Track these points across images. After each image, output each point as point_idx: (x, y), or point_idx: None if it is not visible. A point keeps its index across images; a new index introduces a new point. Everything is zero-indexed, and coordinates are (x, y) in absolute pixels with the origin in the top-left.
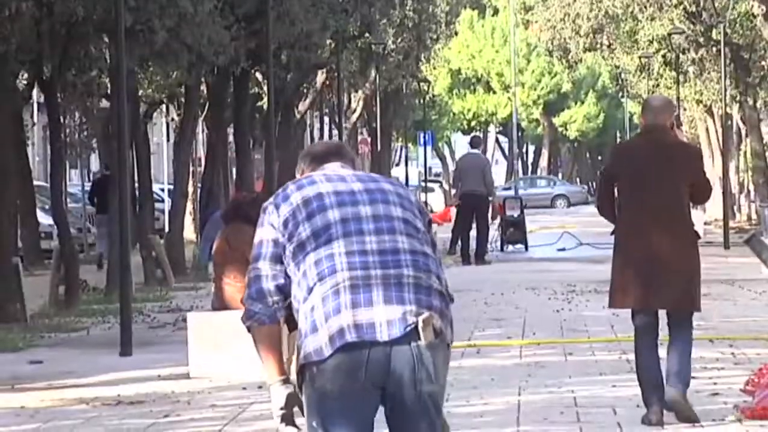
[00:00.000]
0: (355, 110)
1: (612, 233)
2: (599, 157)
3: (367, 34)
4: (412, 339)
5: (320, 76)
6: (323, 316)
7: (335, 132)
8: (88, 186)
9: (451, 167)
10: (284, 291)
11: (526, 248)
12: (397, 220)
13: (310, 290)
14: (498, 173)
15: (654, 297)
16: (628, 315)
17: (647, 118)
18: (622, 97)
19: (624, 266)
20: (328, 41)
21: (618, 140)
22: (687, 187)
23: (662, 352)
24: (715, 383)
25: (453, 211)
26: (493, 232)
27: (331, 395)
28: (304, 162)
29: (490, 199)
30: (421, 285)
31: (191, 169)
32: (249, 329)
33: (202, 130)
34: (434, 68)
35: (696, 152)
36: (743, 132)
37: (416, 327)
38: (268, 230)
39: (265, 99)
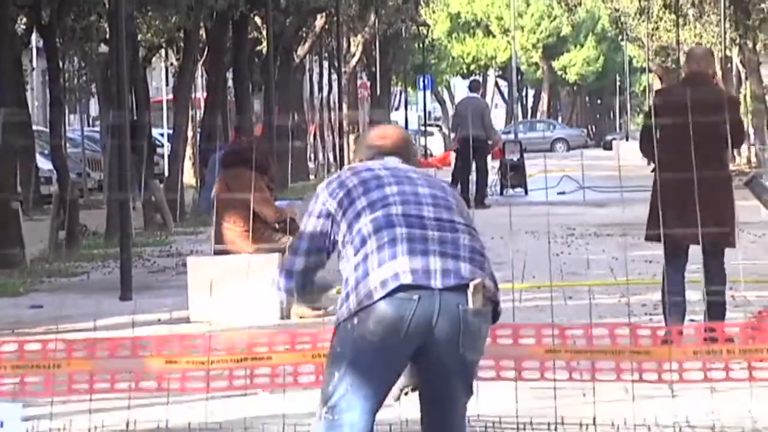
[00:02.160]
0: (354, 54)
1: (652, 171)
2: (599, 101)
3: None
4: (460, 301)
5: (319, 20)
6: (377, 261)
7: (335, 77)
8: (87, 130)
9: (451, 111)
10: (313, 279)
11: (526, 192)
12: (456, 209)
13: (363, 241)
14: (497, 117)
15: (686, 234)
16: (627, 258)
17: (690, 66)
18: (622, 40)
19: (661, 203)
20: None
21: (618, 83)
22: (722, 131)
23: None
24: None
25: (452, 155)
26: (493, 176)
27: (367, 347)
28: (367, 152)
29: (490, 142)
30: (476, 251)
31: (190, 113)
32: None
33: (201, 75)
34: (433, 12)
35: (732, 100)
36: (743, 75)
37: (467, 288)
38: (314, 219)
39: (264, 43)
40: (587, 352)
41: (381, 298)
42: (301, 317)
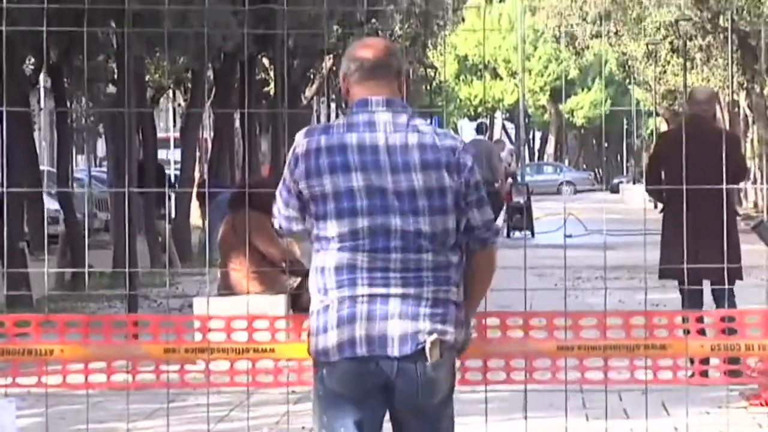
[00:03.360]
0: None
1: (661, 212)
2: (606, 144)
3: (374, 20)
4: (418, 359)
5: (327, 62)
6: (336, 319)
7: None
8: (94, 171)
9: None
10: (287, 230)
11: (533, 234)
12: (425, 194)
13: (324, 288)
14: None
15: (699, 269)
16: (634, 302)
17: (692, 108)
18: (629, 83)
19: (672, 242)
20: (336, 27)
21: (625, 127)
22: (725, 166)
23: None
24: None
25: None
26: (500, 220)
27: (341, 395)
28: (351, 65)
29: (496, 185)
30: (439, 299)
31: (198, 154)
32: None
33: (209, 116)
34: (441, 54)
35: (734, 139)
36: (750, 119)
37: (424, 347)
38: (289, 176)
39: (272, 84)
40: (600, 348)
41: (338, 361)
42: None
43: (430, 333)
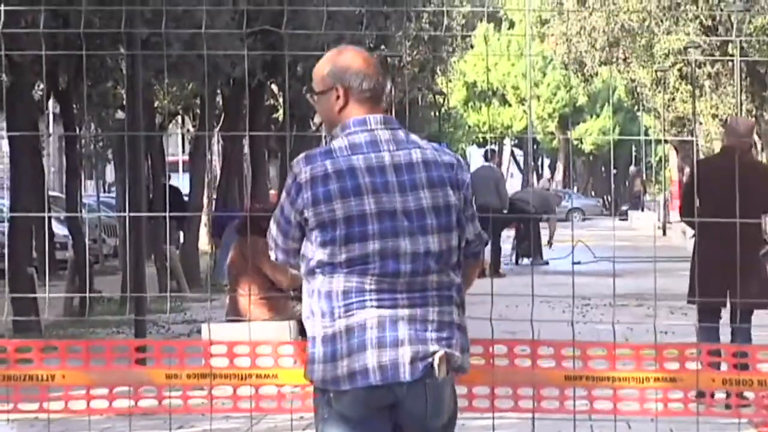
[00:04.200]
0: None
1: (692, 237)
2: (614, 171)
3: (382, 47)
4: (428, 377)
5: None
6: (346, 347)
7: None
8: (103, 196)
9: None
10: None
11: (542, 260)
12: (436, 212)
13: (332, 313)
14: (513, 186)
15: (725, 291)
16: (641, 330)
17: (729, 140)
18: (638, 110)
19: (702, 268)
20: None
21: (634, 154)
22: (759, 203)
23: None
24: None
25: None
26: (508, 246)
27: (349, 418)
28: (358, 88)
29: (504, 211)
30: (444, 321)
31: (206, 180)
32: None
33: (218, 141)
34: (449, 81)
35: (766, 170)
36: (759, 146)
37: (433, 365)
38: (289, 206)
39: (281, 111)
40: (609, 380)
41: (349, 389)
42: None
43: (434, 353)
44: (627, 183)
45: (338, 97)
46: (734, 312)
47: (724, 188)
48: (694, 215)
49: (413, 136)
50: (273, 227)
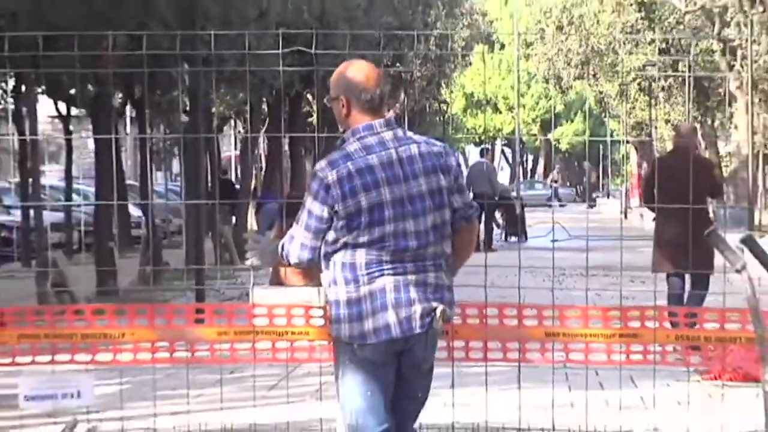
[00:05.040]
0: None
1: (653, 219)
2: (586, 164)
3: (397, 64)
4: (430, 328)
5: None
6: (371, 307)
7: None
8: (170, 184)
9: (465, 172)
10: (309, 260)
11: (526, 239)
12: (432, 194)
13: (356, 278)
14: (503, 178)
15: (681, 263)
16: (608, 295)
17: (678, 141)
18: (605, 116)
19: (661, 244)
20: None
21: (601, 152)
22: (703, 187)
23: None
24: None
25: None
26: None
27: (371, 363)
28: (360, 100)
29: (496, 198)
30: (439, 284)
31: (254, 172)
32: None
33: (263, 141)
34: (451, 92)
35: (710, 164)
36: (703, 145)
37: (434, 318)
38: (319, 204)
39: (314, 116)
40: (581, 336)
41: (374, 342)
42: None
43: (435, 308)
44: (585, 176)
45: (343, 105)
46: (691, 278)
47: (677, 178)
48: (654, 202)
49: (409, 133)
50: (299, 231)
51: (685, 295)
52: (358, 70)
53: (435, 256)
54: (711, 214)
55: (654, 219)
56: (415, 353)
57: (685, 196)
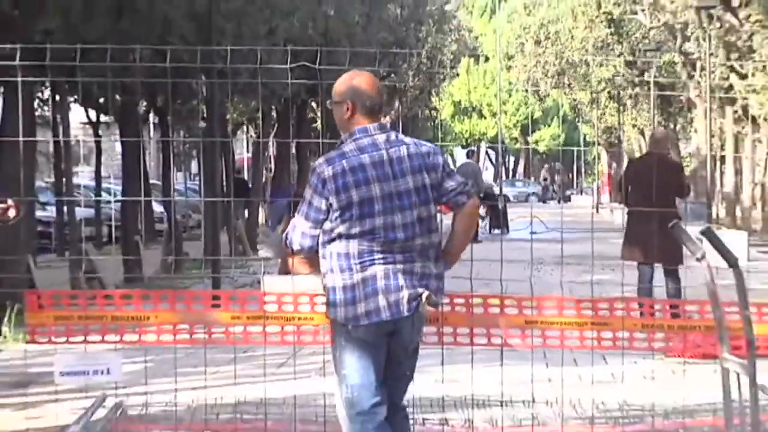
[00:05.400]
0: None
1: (627, 214)
2: (560, 164)
3: (392, 75)
4: (416, 311)
5: None
6: (363, 293)
7: None
8: (189, 183)
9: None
10: (309, 247)
11: (508, 231)
12: (418, 191)
13: (350, 266)
14: (487, 177)
15: (651, 255)
16: (583, 282)
17: (652, 146)
18: (578, 122)
19: (632, 235)
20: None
21: (575, 154)
22: (673, 188)
23: None
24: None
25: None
26: (483, 220)
27: (364, 342)
28: (362, 105)
29: (481, 195)
30: (425, 273)
31: (264, 173)
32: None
33: (272, 145)
34: (441, 100)
35: (679, 167)
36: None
37: (419, 303)
38: (317, 196)
39: (319, 122)
40: (557, 323)
41: (366, 324)
42: None
43: (420, 294)
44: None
45: (348, 109)
46: (664, 268)
47: (649, 179)
48: (627, 199)
49: (400, 136)
50: (300, 220)
51: (654, 283)
52: (363, 80)
53: (422, 247)
54: (678, 211)
55: (628, 213)
56: (403, 334)
57: (657, 194)
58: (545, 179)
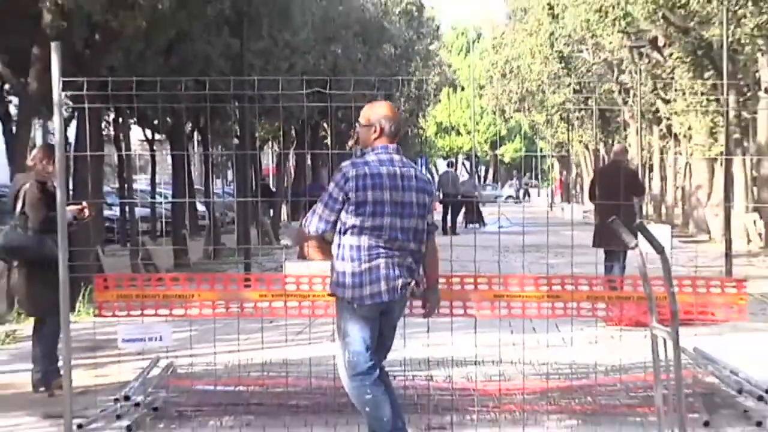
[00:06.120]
0: None
1: (596, 210)
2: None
3: (387, 101)
4: (403, 295)
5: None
6: (370, 279)
7: None
8: (227, 189)
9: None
10: (323, 230)
11: (484, 225)
12: (417, 206)
13: (360, 257)
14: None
15: (615, 242)
16: (538, 265)
17: (613, 156)
18: (536, 138)
19: (598, 227)
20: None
21: (534, 165)
22: (631, 189)
23: None
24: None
25: (438, 205)
26: (460, 216)
27: (366, 319)
28: (387, 129)
29: (459, 197)
30: (412, 269)
31: (286, 180)
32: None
33: (292, 157)
34: (426, 120)
35: (635, 173)
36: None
37: (406, 289)
38: (337, 189)
39: (329, 139)
40: (519, 297)
41: (370, 303)
42: None
43: (409, 283)
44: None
45: (375, 131)
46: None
47: (611, 183)
48: (595, 200)
49: (407, 160)
50: (320, 207)
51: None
52: (389, 108)
53: (412, 249)
54: (636, 207)
55: (596, 209)
56: (392, 314)
57: (616, 195)
58: (526, 184)
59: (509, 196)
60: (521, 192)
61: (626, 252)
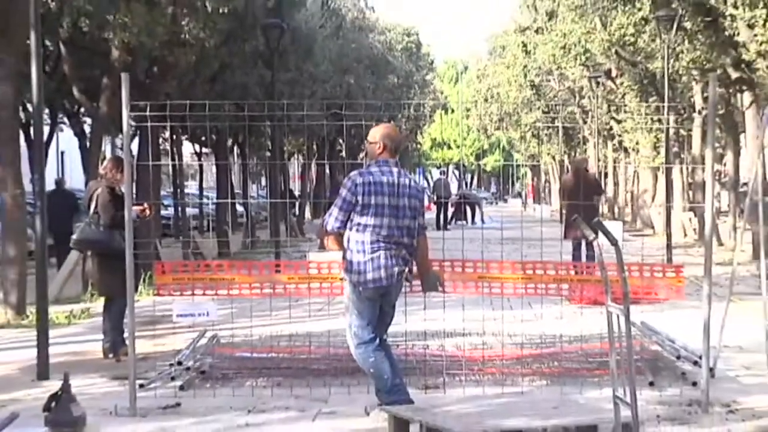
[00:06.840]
0: None
1: (566, 209)
2: (496, 179)
3: (392, 121)
4: (400, 280)
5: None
6: (372, 266)
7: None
8: (261, 193)
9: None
10: (338, 228)
11: (474, 222)
12: (410, 209)
13: (364, 249)
14: (454, 188)
15: (579, 234)
16: (515, 254)
17: (573, 166)
18: (512, 151)
19: (569, 224)
20: (373, 123)
21: (512, 174)
22: (592, 191)
23: None
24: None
25: (433, 206)
26: (451, 215)
27: (369, 299)
28: (389, 146)
29: (450, 201)
30: (406, 259)
31: (309, 186)
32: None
33: (314, 167)
34: (423, 137)
35: (596, 180)
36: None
37: (401, 275)
38: (350, 194)
39: (343, 152)
40: (499, 278)
41: (373, 287)
42: None
43: (404, 270)
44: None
45: (379, 147)
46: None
47: (575, 187)
48: (565, 200)
49: (404, 171)
50: (335, 210)
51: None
52: (393, 130)
53: (406, 244)
54: (597, 205)
55: (566, 208)
56: (390, 295)
57: (580, 195)
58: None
59: (484, 198)
60: (497, 195)
61: (591, 244)
